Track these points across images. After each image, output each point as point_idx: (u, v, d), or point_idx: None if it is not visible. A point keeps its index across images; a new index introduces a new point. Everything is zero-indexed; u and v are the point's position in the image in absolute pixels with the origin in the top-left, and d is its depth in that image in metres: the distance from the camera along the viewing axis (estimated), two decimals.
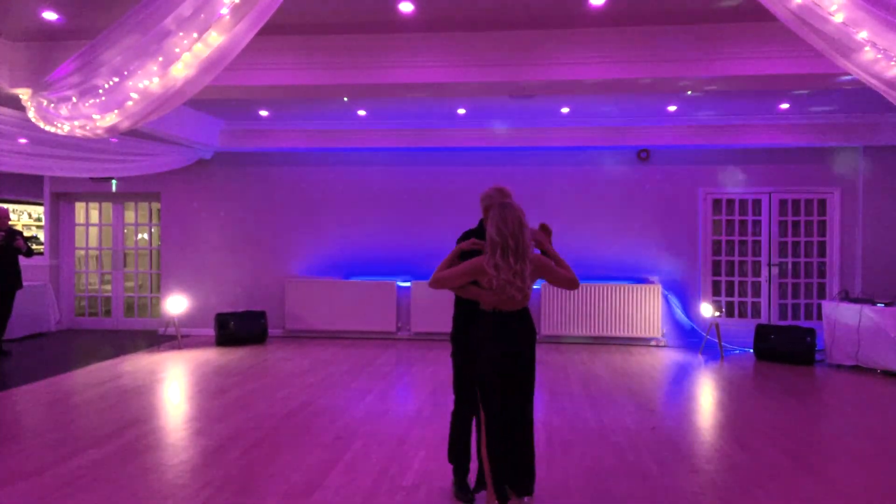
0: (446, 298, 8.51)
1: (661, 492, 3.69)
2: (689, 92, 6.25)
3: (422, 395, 5.81)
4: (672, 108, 7.44)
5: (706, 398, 5.98)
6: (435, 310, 8.66)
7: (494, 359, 3.07)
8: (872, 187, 8.21)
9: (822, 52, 3.43)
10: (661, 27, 4.86)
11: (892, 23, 3.12)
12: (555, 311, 8.57)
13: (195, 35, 3.65)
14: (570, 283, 3.16)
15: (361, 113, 7.72)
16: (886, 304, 6.80)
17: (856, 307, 6.96)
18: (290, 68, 5.29)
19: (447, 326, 9.25)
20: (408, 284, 8.88)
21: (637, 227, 8.57)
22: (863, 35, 3.22)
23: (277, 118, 8.16)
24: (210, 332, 8.95)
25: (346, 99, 6.75)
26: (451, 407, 5.34)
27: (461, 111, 7.58)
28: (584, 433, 4.76)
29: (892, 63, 3.31)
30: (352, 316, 8.81)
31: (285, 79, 5.32)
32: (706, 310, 8.09)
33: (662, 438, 4.63)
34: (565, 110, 7.52)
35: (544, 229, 3.38)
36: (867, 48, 3.28)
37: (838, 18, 3.15)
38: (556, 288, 8.52)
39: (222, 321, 8.36)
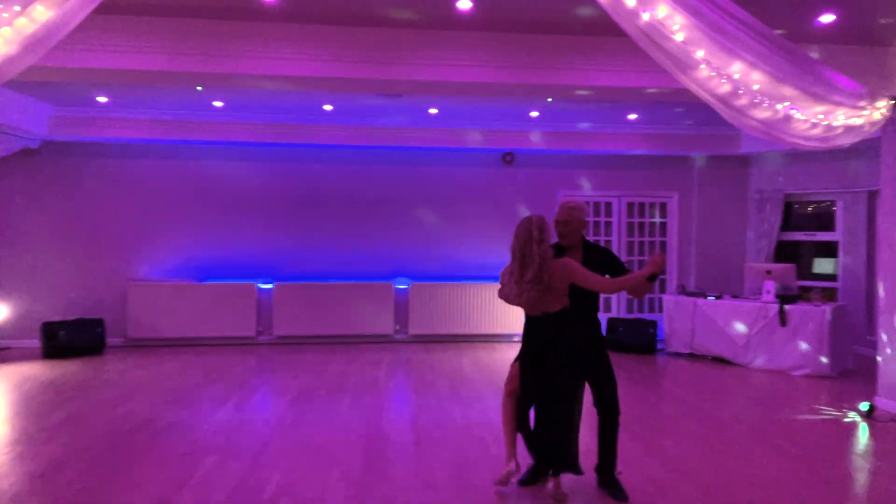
0: (311, 300, 8.28)
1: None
2: (550, 99, 6.54)
3: (283, 404, 5.54)
4: (534, 114, 7.76)
5: None
6: (300, 312, 8.33)
7: (528, 357, 3.54)
8: (705, 192, 9.13)
9: (665, 68, 3.71)
10: (525, 36, 5.01)
11: (724, 45, 3.44)
12: (422, 310, 8.60)
13: (17, 8, 3.16)
14: (600, 289, 3.52)
15: (218, 104, 7.21)
16: (716, 297, 7.59)
17: (690, 300, 7.71)
18: (135, 52, 4.76)
19: (314, 329, 9.00)
20: (270, 286, 8.46)
21: (501, 228, 8.80)
22: (699, 54, 3.52)
23: (119, 105, 7.38)
24: (35, 343, 7.87)
25: (199, 88, 6.25)
26: (313, 416, 5.23)
27: (327, 107, 7.35)
28: (450, 429, 4.81)
29: (724, 81, 3.65)
30: (207, 321, 8.20)
31: (129, 63, 4.77)
32: None
33: None
34: (433, 111, 7.57)
35: (651, 278, 3.43)
36: (703, 66, 3.60)
37: (679, 38, 3.42)
38: (422, 287, 8.58)
39: (50, 331, 7.42)
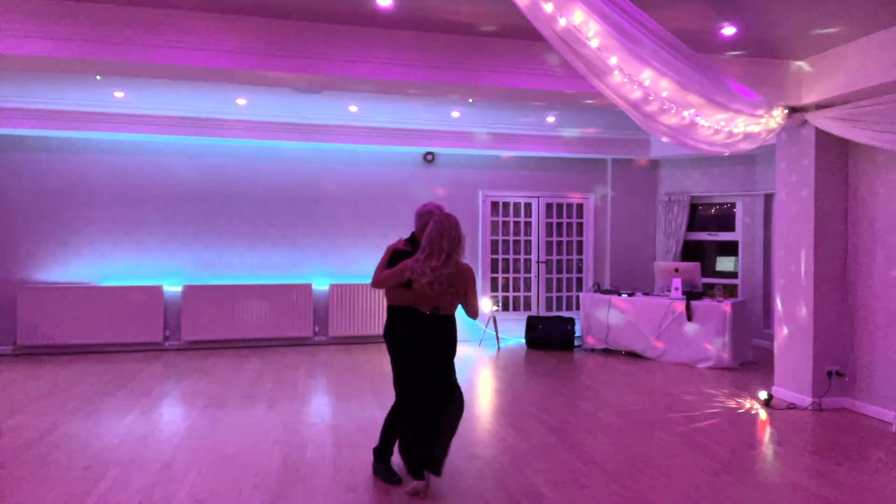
0: (224, 302, 7.94)
1: (439, 481, 3.80)
2: (471, 100, 6.58)
3: (193, 411, 5.27)
4: (456, 114, 7.79)
5: (485, 387, 6.36)
6: (211, 315, 7.96)
7: (412, 353, 3.69)
8: (618, 194, 9.50)
9: (581, 73, 3.80)
10: (447, 36, 4.99)
11: (635, 52, 3.56)
12: (343, 311, 8.45)
13: None
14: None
15: (119, 94, 6.77)
16: (629, 295, 7.91)
17: (605, 298, 7.99)
18: (21, 36, 4.37)
19: (227, 332, 8.66)
20: (178, 289, 8.03)
21: None
22: (613, 60, 3.64)
23: (9, 94, 6.79)
24: None
25: (98, 77, 5.84)
26: (226, 423, 5.01)
27: (241, 101, 7.06)
28: (371, 433, 4.71)
29: (635, 87, 3.79)
30: (108, 326, 7.67)
31: (18, 48, 4.38)
32: (485, 305, 8.64)
33: None
34: (354, 109, 7.44)
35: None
36: (616, 72, 3.72)
37: (594, 44, 3.51)
38: (342, 288, 8.42)
39: None
